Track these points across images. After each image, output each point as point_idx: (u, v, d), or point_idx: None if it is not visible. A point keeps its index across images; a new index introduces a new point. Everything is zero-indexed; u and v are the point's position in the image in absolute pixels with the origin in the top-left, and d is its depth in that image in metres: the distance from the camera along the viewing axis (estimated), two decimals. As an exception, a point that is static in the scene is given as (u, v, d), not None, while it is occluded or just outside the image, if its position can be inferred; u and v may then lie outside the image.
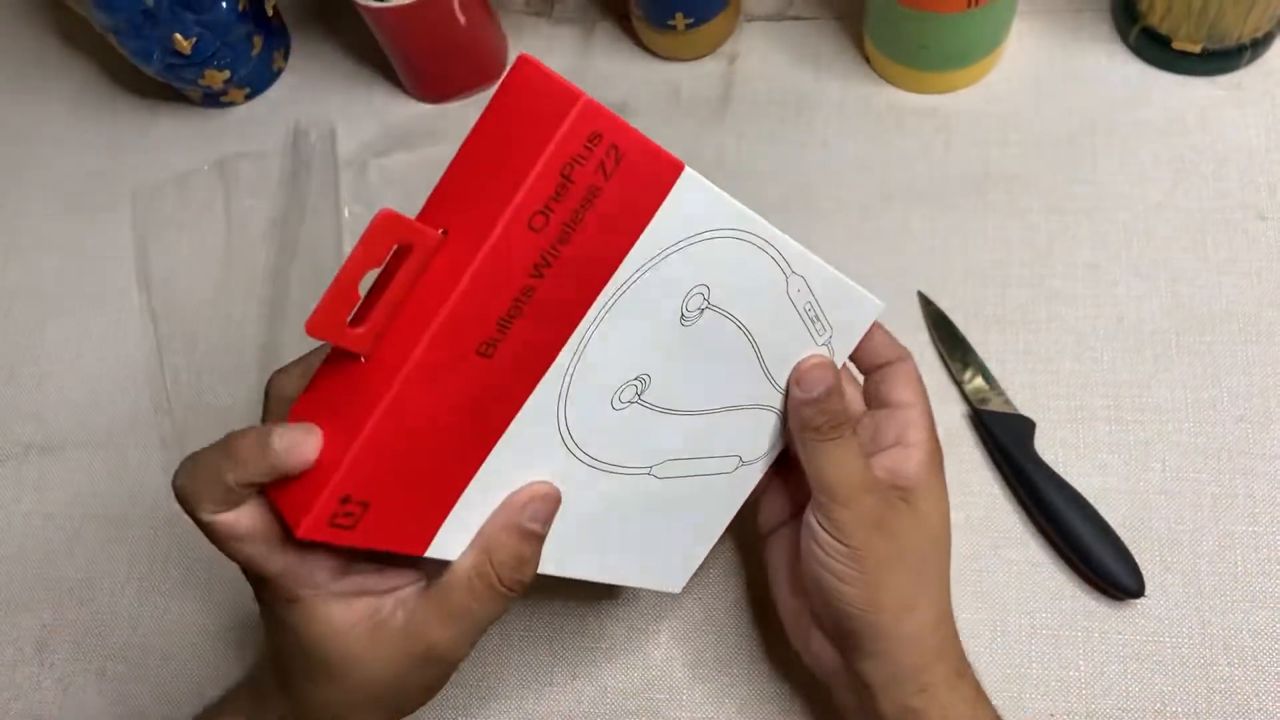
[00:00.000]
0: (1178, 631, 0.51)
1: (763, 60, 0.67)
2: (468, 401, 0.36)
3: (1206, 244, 0.58)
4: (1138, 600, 0.51)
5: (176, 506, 0.61)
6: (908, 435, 0.45)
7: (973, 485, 0.54)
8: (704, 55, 0.67)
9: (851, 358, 0.47)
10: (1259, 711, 0.49)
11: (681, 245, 0.37)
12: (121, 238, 0.68)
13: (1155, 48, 0.62)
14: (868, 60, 0.66)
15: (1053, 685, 0.50)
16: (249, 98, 0.71)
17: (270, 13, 0.66)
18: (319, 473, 0.34)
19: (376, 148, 0.68)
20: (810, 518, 0.44)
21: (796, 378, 0.44)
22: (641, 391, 0.40)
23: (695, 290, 0.39)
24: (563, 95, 0.32)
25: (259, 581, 0.38)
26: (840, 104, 0.65)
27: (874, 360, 0.47)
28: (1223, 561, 0.51)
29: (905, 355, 0.47)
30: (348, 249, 0.65)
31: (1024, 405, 0.55)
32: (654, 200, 0.36)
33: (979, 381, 0.56)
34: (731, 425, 0.44)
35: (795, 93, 0.66)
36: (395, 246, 0.34)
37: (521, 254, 0.33)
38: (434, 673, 0.41)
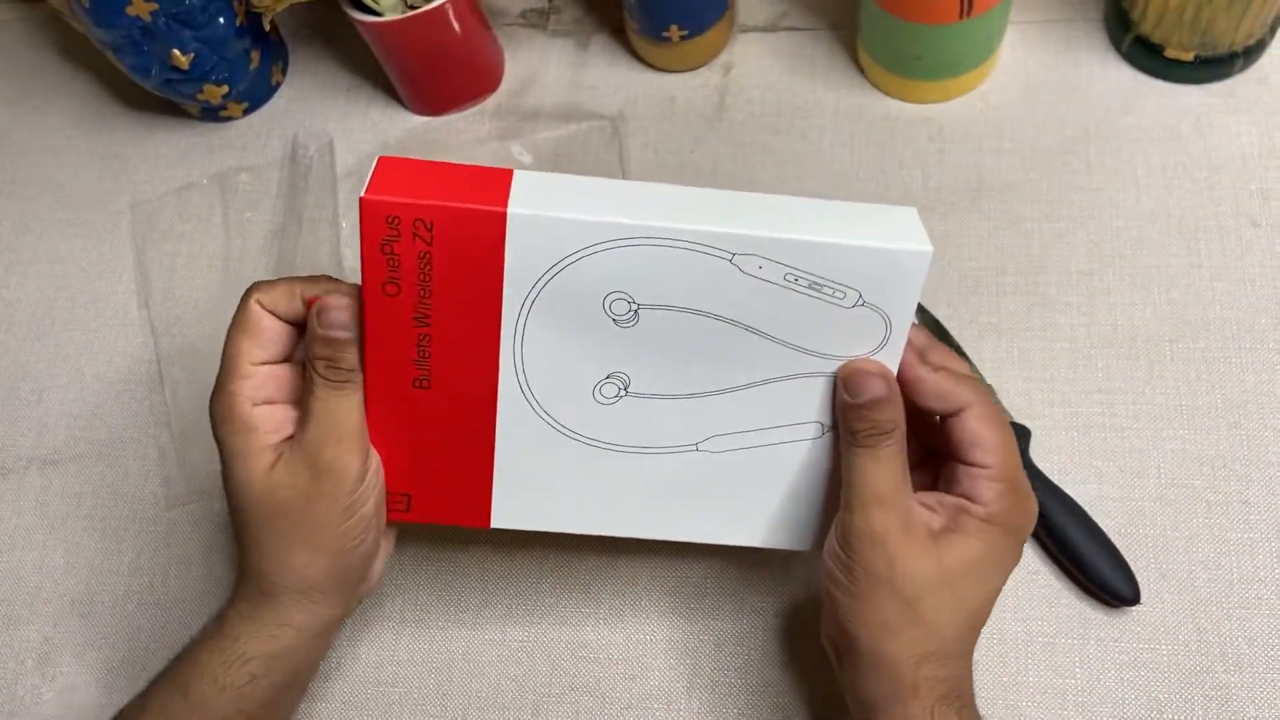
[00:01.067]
0: (1174, 639, 0.51)
1: (757, 70, 0.67)
2: (442, 420, 0.45)
3: (1200, 251, 0.58)
4: (1134, 608, 0.51)
5: (177, 518, 0.61)
6: (977, 495, 0.42)
7: (968, 493, 0.55)
8: (699, 66, 0.68)
9: (920, 405, 0.43)
10: (1255, 718, 0.49)
11: (557, 268, 0.42)
12: (121, 251, 0.68)
13: (1148, 56, 0.62)
14: (862, 70, 0.66)
15: (1049, 693, 0.50)
16: (247, 112, 0.71)
17: (268, 28, 0.66)
18: None
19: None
20: (837, 516, 0.44)
21: (844, 377, 0.43)
22: (627, 386, 0.45)
23: (613, 297, 0.42)
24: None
25: (223, 453, 0.44)
26: (834, 113, 0.65)
27: (938, 408, 0.43)
28: (1218, 568, 0.52)
29: (970, 403, 0.42)
30: (346, 261, 0.65)
31: (1019, 413, 0.56)
32: (494, 245, 0.41)
33: (974, 390, 0.56)
34: (780, 397, 0.45)
35: (790, 102, 0.66)
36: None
37: (396, 313, 0.43)
38: (333, 490, 0.43)
